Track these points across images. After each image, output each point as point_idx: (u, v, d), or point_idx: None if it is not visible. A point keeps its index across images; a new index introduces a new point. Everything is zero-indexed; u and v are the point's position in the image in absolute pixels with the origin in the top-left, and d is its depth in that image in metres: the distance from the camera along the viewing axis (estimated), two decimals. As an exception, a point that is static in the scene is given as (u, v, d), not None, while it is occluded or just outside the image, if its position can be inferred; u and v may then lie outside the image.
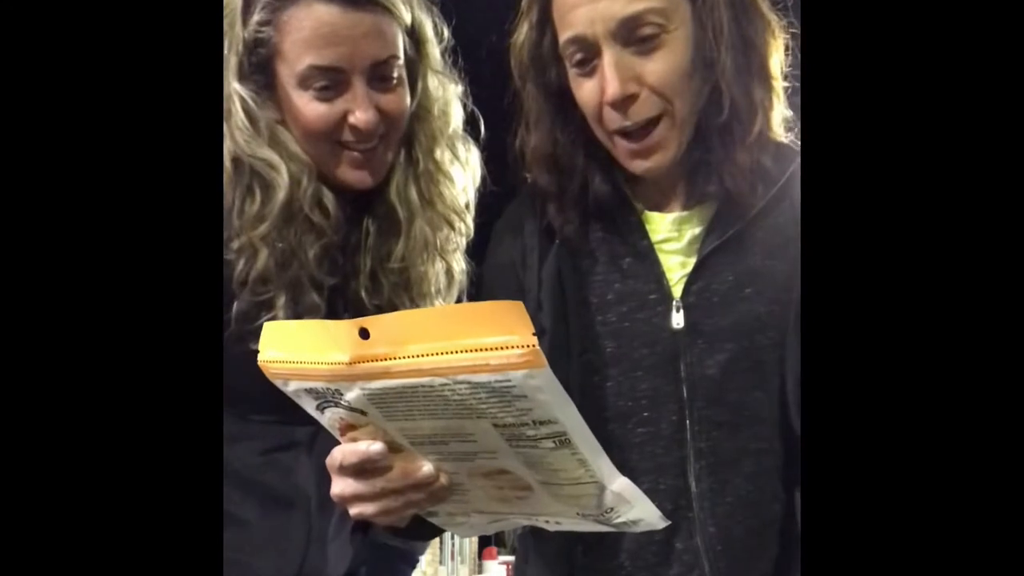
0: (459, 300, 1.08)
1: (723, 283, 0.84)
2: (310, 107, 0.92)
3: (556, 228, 0.88)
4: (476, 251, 1.07)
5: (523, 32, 0.88)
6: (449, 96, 1.03)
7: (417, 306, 1.01)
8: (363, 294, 0.98)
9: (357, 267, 0.99)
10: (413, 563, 1.12)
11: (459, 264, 1.06)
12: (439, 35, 1.02)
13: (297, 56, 0.91)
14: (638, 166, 0.84)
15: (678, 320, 0.83)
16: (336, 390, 0.63)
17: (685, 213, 0.87)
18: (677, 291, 0.84)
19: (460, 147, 1.05)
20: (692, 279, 0.84)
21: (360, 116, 0.92)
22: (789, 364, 0.81)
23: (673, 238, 0.87)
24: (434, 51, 1.01)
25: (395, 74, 0.95)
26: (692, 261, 0.85)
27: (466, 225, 1.06)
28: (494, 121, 1.04)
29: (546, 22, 0.86)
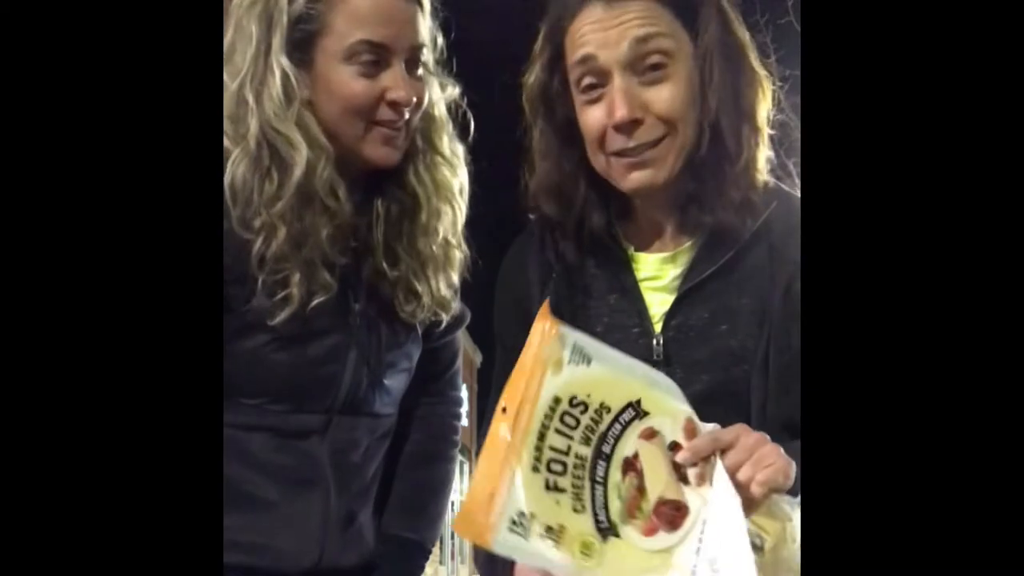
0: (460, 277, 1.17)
1: (699, 320, 0.90)
2: (354, 82, 0.99)
3: (556, 258, 0.96)
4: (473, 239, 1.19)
5: (535, 73, 0.95)
6: (444, 98, 1.12)
7: (428, 278, 1.08)
8: (384, 265, 1.06)
9: (372, 245, 1.06)
10: (426, 554, 1.16)
11: (459, 246, 1.14)
12: (435, 46, 1.11)
13: (349, 30, 0.98)
14: (634, 179, 0.89)
15: (658, 352, 0.90)
16: None
17: (668, 254, 0.93)
18: (658, 326, 0.91)
19: (455, 143, 1.14)
20: (671, 315, 0.90)
21: (400, 93, 0.99)
22: (754, 396, 0.86)
23: (656, 276, 0.93)
24: (432, 56, 1.10)
25: (422, 65, 1.05)
26: (672, 298, 0.91)
27: (461, 209, 1.14)
28: (484, 124, 1.17)
29: (556, 61, 0.92)
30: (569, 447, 0.75)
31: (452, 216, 1.12)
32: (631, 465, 0.75)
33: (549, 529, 0.74)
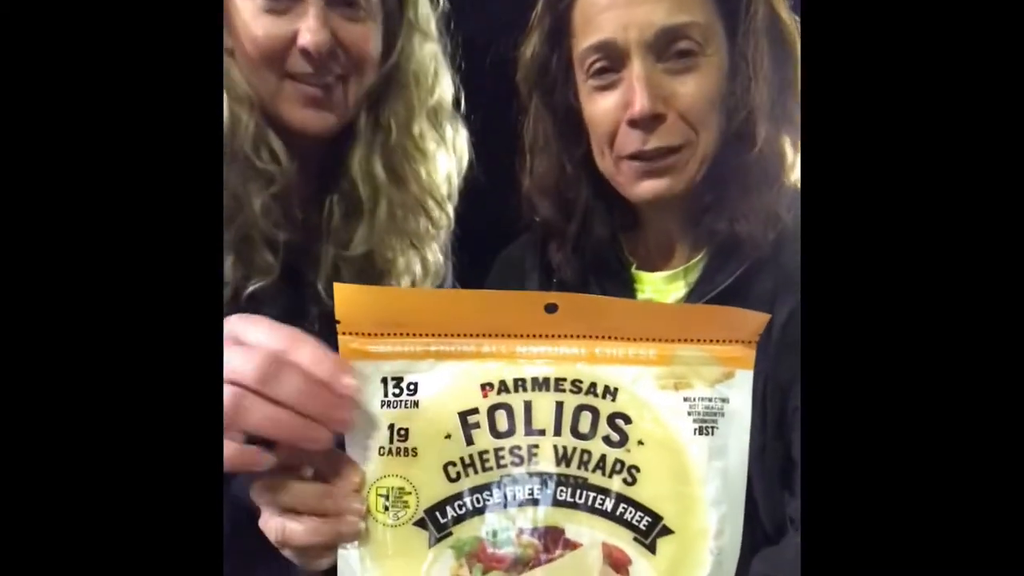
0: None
1: None
2: (257, 20, 0.76)
3: (555, 269, 0.86)
4: (464, 245, 0.96)
5: (533, 43, 0.83)
6: (436, 64, 0.87)
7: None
8: (322, 293, 0.81)
9: (318, 257, 0.83)
10: None
11: (436, 255, 0.90)
12: None
13: None
14: (646, 187, 0.78)
15: None
16: None
17: (671, 272, 0.84)
18: None
19: (447, 125, 0.89)
20: None
21: (310, 37, 0.76)
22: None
23: (658, 298, 0.84)
24: (423, 8, 0.86)
25: (363, 4, 0.80)
26: None
27: (446, 215, 0.90)
28: (488, 102, 0.92)
29: (560, 33, 0.80)
30: (545, 432, 0.49)
31: (424, 221, 0.88)
32: (554, 539, 0.50)
33: (402, 434, 0.49)
